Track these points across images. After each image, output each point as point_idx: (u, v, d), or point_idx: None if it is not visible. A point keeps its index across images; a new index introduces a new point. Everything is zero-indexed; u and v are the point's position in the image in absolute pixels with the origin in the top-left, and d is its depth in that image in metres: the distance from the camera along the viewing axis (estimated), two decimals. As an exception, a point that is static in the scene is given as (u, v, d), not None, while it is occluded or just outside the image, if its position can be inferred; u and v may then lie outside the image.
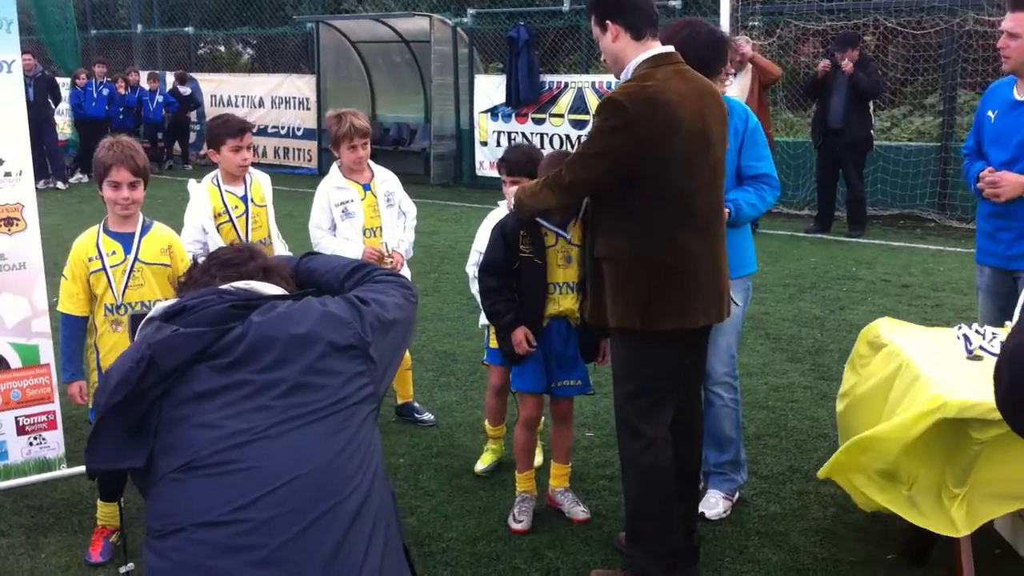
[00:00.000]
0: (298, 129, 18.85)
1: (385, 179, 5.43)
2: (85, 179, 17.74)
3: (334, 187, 5.31)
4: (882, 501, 3.67)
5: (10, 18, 4.72)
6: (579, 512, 4.56)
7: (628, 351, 3.80)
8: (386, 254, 5.26)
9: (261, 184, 5.23)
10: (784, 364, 6.77)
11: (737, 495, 4.70)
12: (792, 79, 14.14)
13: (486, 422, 5.20)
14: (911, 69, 13.50)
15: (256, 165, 18.04)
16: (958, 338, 3.99)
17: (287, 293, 2.50)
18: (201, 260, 2.57)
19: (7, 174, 4.77)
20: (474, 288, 4.83)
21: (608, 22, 3.70)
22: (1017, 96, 4.48)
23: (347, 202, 5.28)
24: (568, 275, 4.35)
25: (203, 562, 2.04)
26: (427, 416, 5.77)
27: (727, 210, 4.23)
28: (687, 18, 4.79)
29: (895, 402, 3.72)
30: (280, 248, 5.34)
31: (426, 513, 4.63)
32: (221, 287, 2.40)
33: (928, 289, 8.93)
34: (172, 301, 2.40)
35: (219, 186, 5.09)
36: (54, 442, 4.97)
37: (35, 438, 4.90)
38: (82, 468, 4.68)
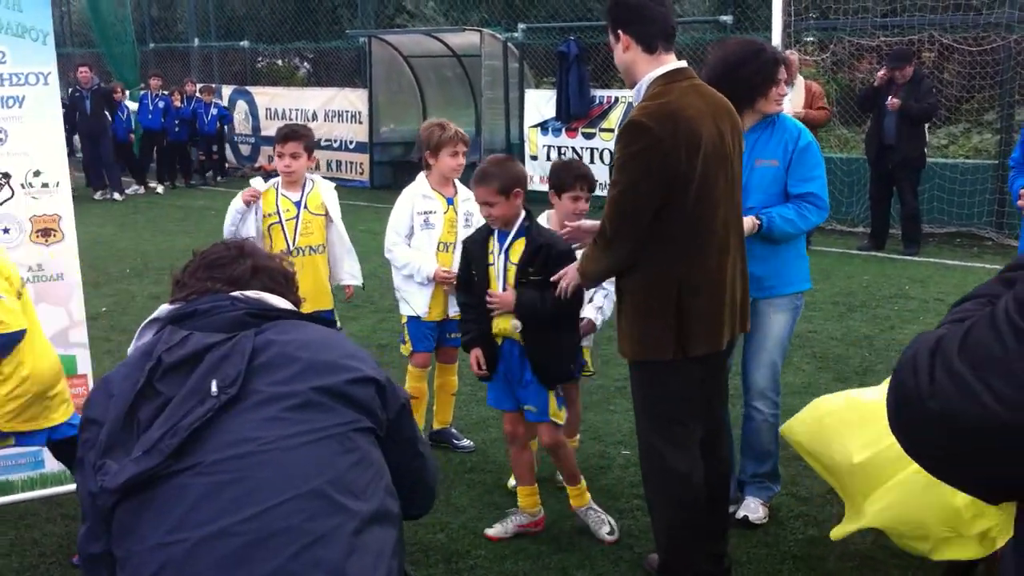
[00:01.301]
0: (350, 142, 18.95)
1: (467, 198, 5.32)
2: (141, 191, 18.02)
3: (420, 195, 5.27)
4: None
5: (46, 30, 4.77)
6: (604, 533, 4.47)
7: (650, 381, 3.71)
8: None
9: (322, 193, 5.42)
10: (830, 384, 6.63)
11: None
12: (847, 95, 13.96)
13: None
14: (968, 86, 13.28)
15: (308, 178, 17.69)
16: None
17: (297, 311, 2.47)
18: (193, 258, 2.53)
19: (44, 185, 4.82)
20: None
21: (620, 32, 3.62)
22: None
23: (430, 212, 5.25)
24: None
25: (204, 572, 1.98)
26: (466, 443, 5.60)
27: (758, 221, 4.17)
28: (740, 39, 4.74)
29: None
30: (346, 259, 5.49)
31: (455, 529, 4.58)
32: (233, 294, 2.36)
33: (982, 309, 8.70)
34: (178, 304, 2.36)
35: (277, 188, 5.36)
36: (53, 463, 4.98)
37: (73, 446, 4.93)
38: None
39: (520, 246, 4.34)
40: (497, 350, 4.41)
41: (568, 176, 4.69)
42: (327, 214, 5.40)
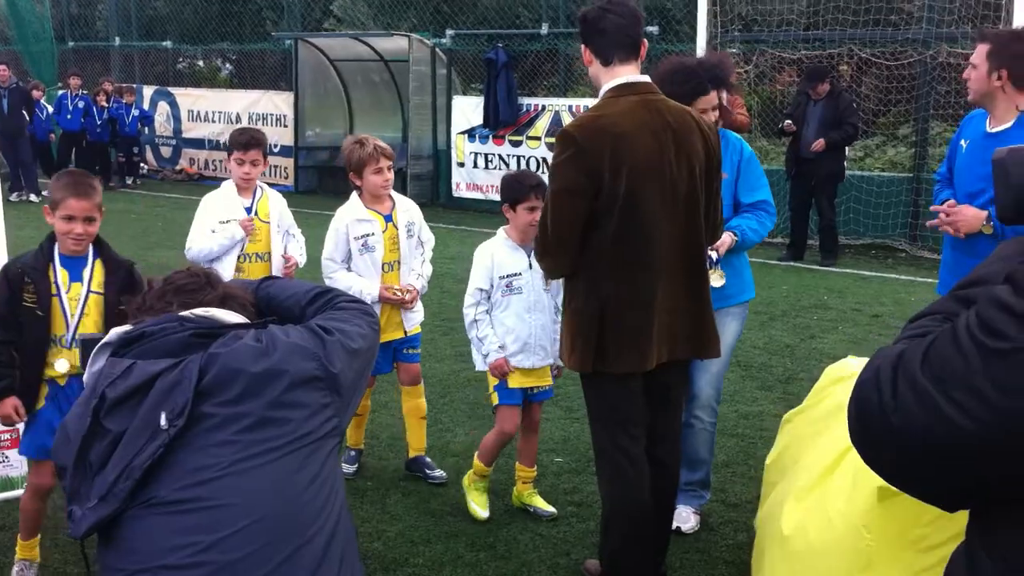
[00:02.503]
0: (275, 146, 18.78)
1: (407, 208, 5.21)
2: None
3: (355, 219, 5.05)
4: None
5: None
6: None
7: (590, 389, 3.84)
8: (403, 294, 5.09)
9: (270, 200, 5.35)
10: (754, 392, 6.81)
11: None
12: (768, 107, 14.27)
13: (477, 459, 4.91)
14: (885, 100, 13.66)
15: (232, 181, 17.35)
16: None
17: (248, 321, 2.45)
18: (155, 284, 2.49)
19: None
20: (471, 332, 4.70)
21: (584, 46, 3.73)
22: (988, 129, 4.46)
23: (368, 235, 5.04)
24: None
25: None
26: (438, 473, 5.30)
27: (733, 236, 4.29)
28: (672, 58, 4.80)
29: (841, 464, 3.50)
30: (279, 262, 5.33)
31: (392, 538, 4.61)
32: (181, 314, 2.33)
33: (899, 319, 8.98)
34: (128, 327, 2.33)
35: (232, 193, 5.29)
36: (17, 460, 4.92)
37: (3, 456, 4.86)
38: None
39: (100, 274, 4.05)
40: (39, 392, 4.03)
41: (522, 187, 4.60)
42: (270, 223, 5.32)
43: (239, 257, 5.19)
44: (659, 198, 3.59)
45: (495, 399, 4.74)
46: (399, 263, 5.14)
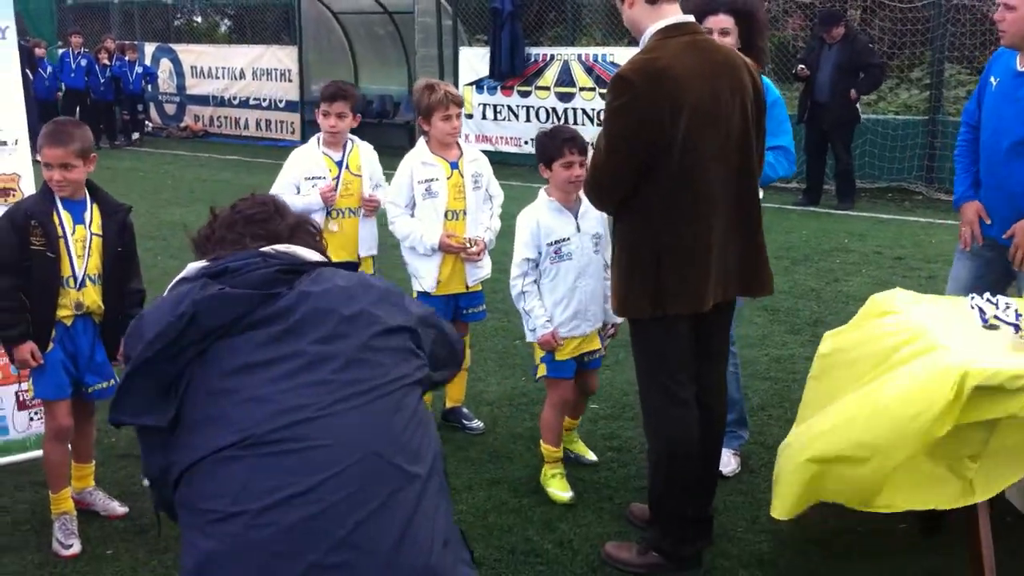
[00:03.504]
0: (280, 101, 18.68)
1: (474, 159, 5.06)
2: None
3: (420, 162, 4.94)
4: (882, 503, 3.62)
5: (3, -17, 4.62)
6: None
7: (640, 337, 3.78)
8: (467, 245, 4.94)
9: (362, 154, 5.27)
10: (784, 336, 6.78)
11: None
12: (780, 53, 14.12)
13: (543, 443, 4.63)
14: (897, 43, 13.50)
15: (237, 137, 17.92)
16: (971, 308, 3.98)
17: (328, 260, 2.42)
18: (221, 213, 2.45)
19: (2, 143, 4.70)
20: (519, 303, 4.50)
21: None
22: (1020, 67, 4.39)
23: (431, 180, 4.91)
24: None
25: (269, 547, 1.95)
26: (476, 424, 5.25)
27: None
28: None
29: (897, 368, 3.65)
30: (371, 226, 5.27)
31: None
32: (263, 250, 2.30)
33: (921, 261, 8.96)
34: (206, 262, 2.30)
35: (319, 148, 5.22)
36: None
37: (36, 413, 4.84)
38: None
39: (98, 216, 4.13)
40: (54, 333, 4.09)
41: (555, 143, 4.33)
42: (362, 176, 5.21)
43: (331, 212, 5.11)
44: (716, 140, 3.55)
45: (542, 370, 4.53)
46: (465, 213, 4.98)
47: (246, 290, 2.17)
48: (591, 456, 4.79)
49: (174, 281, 2.31)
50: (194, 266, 2.31)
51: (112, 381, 4.22)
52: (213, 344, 2.13)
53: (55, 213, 4.05)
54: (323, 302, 2.18)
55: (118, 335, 4.10)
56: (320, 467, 2.01)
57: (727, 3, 4.34)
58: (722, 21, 4.33)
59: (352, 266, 2.44)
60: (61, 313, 4.09)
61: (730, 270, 3.70)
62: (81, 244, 4.08)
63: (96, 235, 4.11)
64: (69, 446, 4.30)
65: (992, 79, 4.55)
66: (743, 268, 3.74)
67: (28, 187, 4.79)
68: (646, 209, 3.58)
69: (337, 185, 5.14)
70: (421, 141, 5.04)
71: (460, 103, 4.98)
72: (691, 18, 3.65)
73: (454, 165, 4.97)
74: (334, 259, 2.51)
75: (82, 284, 4.09)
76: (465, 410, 5.34)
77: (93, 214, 4.14)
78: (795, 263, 8.89)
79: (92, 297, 4.13)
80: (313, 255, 2.39)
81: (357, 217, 5.22)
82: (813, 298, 7.73)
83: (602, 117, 3.65)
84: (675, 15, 3.59)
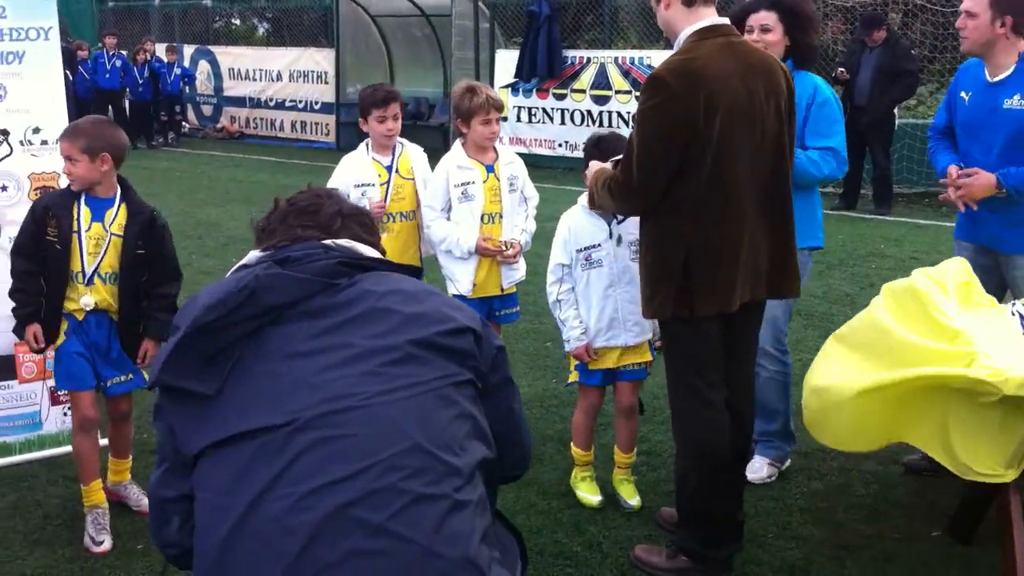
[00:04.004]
0: (316, 103, 18.78)
1: (510, 162, 5.04)
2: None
3: (456, 166, 4.91)
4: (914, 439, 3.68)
5: (48, -15, 4.68)
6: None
7: (671, 338, 3.76)
8: (504, 248, 4.91)
9: (411, 157, 5.20)
10: (818, 341, 6.68)
11: (787, 463, 4.73)
12: (820, 56, 14.00)
13: (573, 446, 4.66)
14: (938, 47, 13.36)
15: (273, 139, 18.04)
16: (1012, 315, 3.94)
17: (389, 260, 2.44)
18: (279, 204, 2.47)
19: (44, 142, 4.75)
20: (555, 312, 4.48)
21: None
22: (990, 79, 4.38)
23: (468, 183, 4.89)
24: None
25: (307, 531, 1.95)
26: None
27: None
28: None
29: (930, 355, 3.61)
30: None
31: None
32: (325, 242, 2.32)
33: (958, 267, 8.85)
34: (262, 252, 2.32)
35: (368, 154, 5.14)
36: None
37: (69, 407, 4.88)
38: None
39: (123, 217, 4.18)
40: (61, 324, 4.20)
41: (603, 157, 4.19)
42: (415, 178, 5.17)
43: (385, 216, 5.03)
44: (750, 141, 3.53)
45: (573, 376, 4.53)
46: (501, 216, 4.95)
47: (307, 276, 2.19)
48: (633, 501, 4.50)
49: (235, 267, 2.33)
50: (254, 254, 2.33)
51: (130, 375, 4.27)
52: (267, 327, 2.14)
53: (76, 207, 4.12)
54: (384, 302, 2.19)
55: (136, 336, 4.19)
56: (362, 455, 2.01)
57: (769, 1, 4.31)
58: (762, 18, 4.30)
59: (416, 271, 2.44)
60: (70, 306, 4.16)
61: (760, 271, 3.67)
62: (94, 242, 4.12)
63: (116, 235, 4.14)
64: (100, 438, 4.35)
65: (963, 94, 4.54)
66: (772, 269, 3.71)
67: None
68: (676, 210, 3.55)
69: (388, 190, 5.08)
70: (457, 144, 5.02)
71: (501, 108, 4.96)
72: (726, 20, 3.64)
73: (490, 168, 4.95)
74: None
75: (90, 281, 4.14)
76: None
77: (118, 214, 4.17)
78: (830, 268, 8.81)
79: (102, 295, 4.16)
80: (372, 251, 2.40)
81: (412, 221, 5.15)
82: (847, 303, 7.65)
83: (635, 118, 3.63)
84: (711, 17, 3.59)
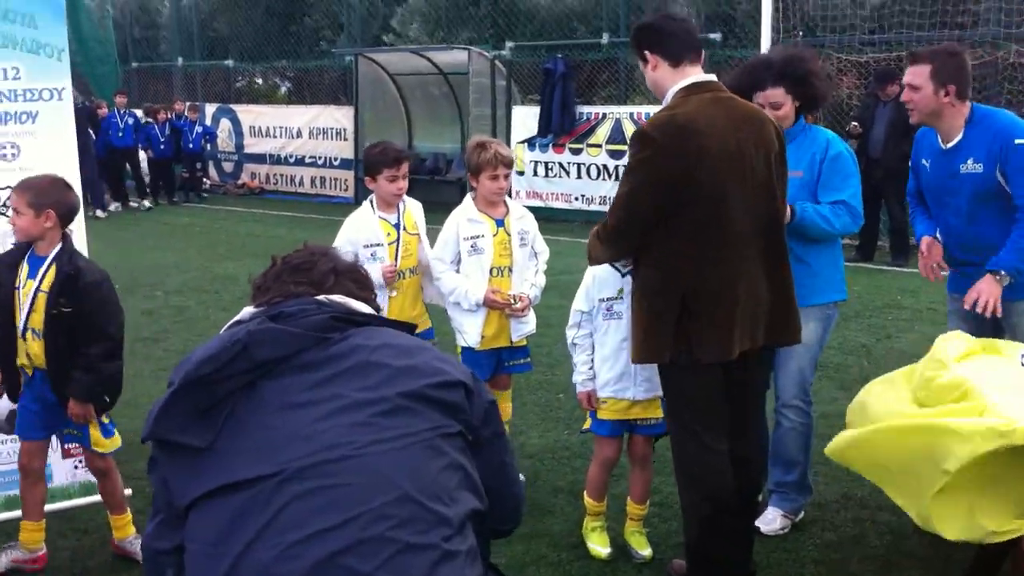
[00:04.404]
0: (335, 159, 18.96)
1: (521, 216, 5.08)
2: (120, 207, 17.87)
3: (466, 219, 4.96)
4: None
5: (61, 46, 4.77)
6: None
7: (671, 385, 3.78)
8: (512, 301, 4.93)
9: (413, 212, 5.23)
10: (833, 392, 6.67)
11: (801, 515, 4.67)
12: (834, 111, 14.07)
13: (586, 496, 4.62)
14: (951, 100, 13.35)
15: (292, 194, 18.15)
16: (1023, 364, 3.91)
17: (382, 316, 2.46)
18: (276, 263, 2.50)
19: (56, 199, 4.78)
20: (575, 355, 4.47)
21: (647, 52, 3.75)
22: (943, 146, 4.44)
23: (477, 237, 4.94)
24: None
25: None
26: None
27: (791, 208, 4.15)
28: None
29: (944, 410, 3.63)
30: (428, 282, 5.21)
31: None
32: (318, 298, 2.34)
33: (976, 319, 8.78)
34: (255, 308, 2.35)
35: (374, 212, 5.12)
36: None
37: (79, 461, 4.89)
38: (127, 491, 4.65)
39: (52, 274, 4.19)
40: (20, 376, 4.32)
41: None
42: (419, 233, 5.21)
43: (395, 275, 5.03)
44: (739, 189, 3.59)
45: (587, 423, 4.53)
46: (511, 270, 4.98)
47: (300, 330, 2.21)
48: (645, 552, 4.45)
49: (229, 323, 2.35)
50: (248, 310, 2.35)
51: (77, 432, 4.35)
52: (260, 381, 2.16)
53: (24, 263, 4.24)
54: (375, 356, 2.20)
55: (64, 392, 4.21)
56: (351, 505, 2.01)
57: (773, 74, 4.34)
58: (771, 95, 4.33)
59: (409, 328, 2.46)
60: (21, 360, 4.29)
61: (759, 317, 3.71)
62: (27, 297, 4.20)
63: (43, 292, 4.18)
64: (44, 485, 4.48)
65: (924, 161, 4.61)
66: (773, 316, 3.73)
67: (80, 243, 4.88)
68: (671, 256, 3.62)
69: (398, 248, 5.08)
70: (468, 198, 5.07)
71: (509, 163, 4.98)
72: (713, 77, 3.75)
73: (500, 222, 4.99)
74: (402, 319, 2.53)
75: (23, 336, 4.24)
76: None
77: (48, 271, 4.20)
78: (846, 319, 8.76)
79: (35, 350, 4.22)
80: (364, 307, 2.42)
81: (416, 276, 5.18)
82: (863, 355, 7.61)
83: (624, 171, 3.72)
84: (697, 75, 3.70)
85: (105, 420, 4.37)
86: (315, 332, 2.21)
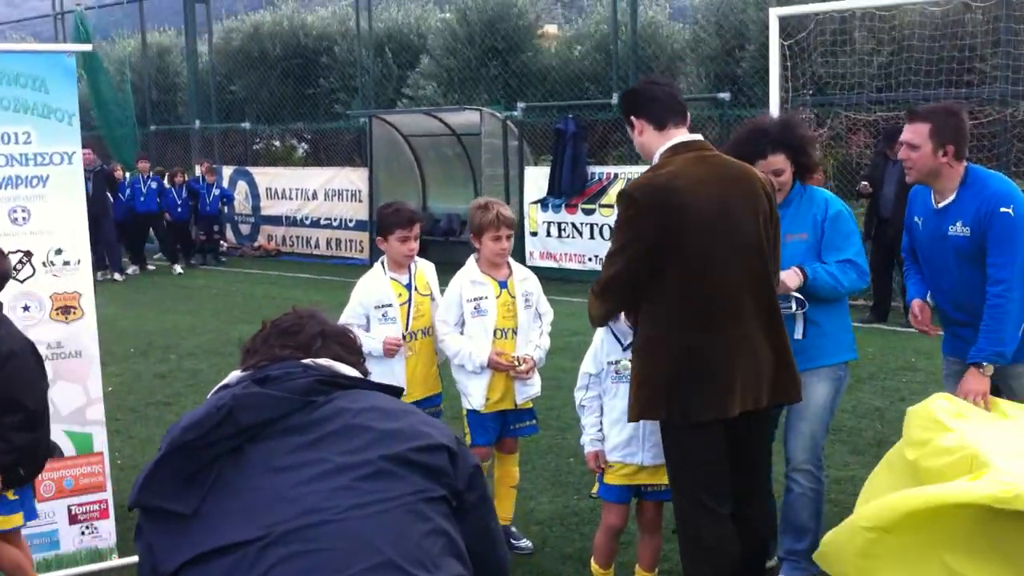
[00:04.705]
0: (350, 221, 19.08)
1: (524, 278, 5.12)
2: (138, 271, 18.00)
3: (469, 281, 5.00)
4: None
5: (72, 111, 4.85)
6: None
7: (672, 445, 3.79)
8: (516, 363, 4.93)
9: (425, 273, 5.24)
10: (845, 456, 6.61)
11: None
12: (844, 170, 14.12)
13: (593, 562, 4.63)
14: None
15: (308, 256, 18.20)
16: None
17: (369, 380, 2.46)
18: (266, 327, 2.52)
19: (66, 263, 4.86)
20: (583, 416, 4.47)
21: (632, 117, 3.86)
22: (936, 205, 4.43)
23: (481, 299, 4.96)
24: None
25: None
26: (524, 543, 5.18)
27: (800, 273, 4.16)
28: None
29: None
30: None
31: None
32: (304, 362, 2.35)
33: (990, 379, 8.71)
34: (242, 372, 2.36)
35: (385, 273, 5.13)
36: (106, 531, 4.97)
37: (87, 527, 4.90)
38: (134, 558, 4.63)
39: None
40: None
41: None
42: (431, 294, 5.25)
43: (405, 335, 5.03)
44: (727, 246, 3.64)
45: (595, 488, 4.52)
46: (515, 332, 4.98)
47: (285, 394, 2.22)
48: None
49: (216, 387, 2.36)
50: (235, 374, 2.37)
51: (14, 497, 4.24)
52: (246, 444, 2.17)
53: None
54: (359, 419, 2.22)
55: None
56: (332, 570, 2.00)
57: (772, 142, 4.37)
58: (773, 163, 4.34)
59: (396, 391, 2.46)
60: None
61: (761, 377, 3.70)
62: None
63: None
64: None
65: (916, 219, 4.61)
66: (775, 375, 3.73)
67: (88, 305, 4.93)
68: (661, 314, 3.67)
69: (409, 309, 5.08)
70: (471, 259, 5.09)
71: (511, 225, 5.00)
72: (699, 137, 3.83)
73: (503, 284, 5.01)
74: (416, 383, 2.53)
75: None
76: (513, 529, 5.24)
77: None
78: (860, 381, 8.70)
79: None
80: (351, 371, 2.43)
81: (430, 337, 5.15)
82: (877, 418, 7.54)
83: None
84: (682, 135, 3.78)
85: (11, 496, 4.21)
86: (300, 395, 2.23)
